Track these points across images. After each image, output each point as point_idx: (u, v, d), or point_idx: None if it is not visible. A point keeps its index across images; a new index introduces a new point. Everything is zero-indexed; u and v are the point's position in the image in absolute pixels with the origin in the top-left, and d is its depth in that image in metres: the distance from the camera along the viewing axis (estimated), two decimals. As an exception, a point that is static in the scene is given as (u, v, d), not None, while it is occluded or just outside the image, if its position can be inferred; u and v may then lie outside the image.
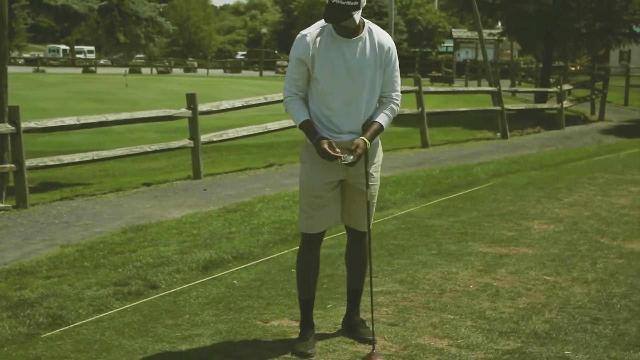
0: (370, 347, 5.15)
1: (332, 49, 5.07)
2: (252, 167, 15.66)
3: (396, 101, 5.30)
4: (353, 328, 5.53)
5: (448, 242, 8.33)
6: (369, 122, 5.20)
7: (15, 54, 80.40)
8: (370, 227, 5.37)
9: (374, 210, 5.47)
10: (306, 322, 5.35)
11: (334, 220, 5.33)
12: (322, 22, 5.13)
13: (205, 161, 14.58)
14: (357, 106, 5.16)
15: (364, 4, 4.96)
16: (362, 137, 5.11)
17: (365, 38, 5.11)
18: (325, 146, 4.99)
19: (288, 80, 5.21)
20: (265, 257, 7.76)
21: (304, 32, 5.15)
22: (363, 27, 5.11)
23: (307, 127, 5.13)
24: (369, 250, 5.40)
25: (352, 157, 5.02)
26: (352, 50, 5.08)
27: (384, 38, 5.19)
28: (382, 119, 5.23)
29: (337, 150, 5.00)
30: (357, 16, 4.92)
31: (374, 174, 5.32)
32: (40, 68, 71.13)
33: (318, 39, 5.08)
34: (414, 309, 6.12)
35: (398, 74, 5.32)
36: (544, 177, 13.35)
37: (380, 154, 5.41)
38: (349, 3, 4.86)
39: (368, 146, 5.12)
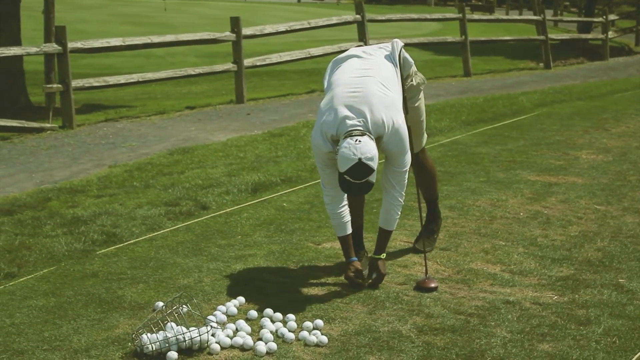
0: (423, 270, 5.17)
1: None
2: (294, 93, 15.61)
3: (398, 197, 5.04)
4: (421, 233, 5.54)
5: (496, 170, 8.29)
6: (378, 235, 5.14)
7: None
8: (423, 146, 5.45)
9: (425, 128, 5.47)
10: (358, 247, 5.35)
11: None
12: (327, 138, 4.84)
13: (247, 86, 14.53)
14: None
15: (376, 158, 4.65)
16: (375, 257, 5.08)
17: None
18: (351, 274, 4.99)
19: (323, 180, 5.06)
20: (313, 181, 7.77)
21: (315, 139, 4.91)
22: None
23: (347, 242, 5.08)
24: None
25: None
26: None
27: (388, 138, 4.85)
28: (385, 223, 5.11)
29: (360, 280, 5.00)
30: (373, 177, 4.65)
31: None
32: (78, -9, 70.88)
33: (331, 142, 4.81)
34: (465, 234, 6.12)
35: (404, 161, 4.97)
36: (589, 107, 13.20)
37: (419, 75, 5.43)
38: (363, 180, 4.59)
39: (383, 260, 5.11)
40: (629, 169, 8.46)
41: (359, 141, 4.60)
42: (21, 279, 5.21)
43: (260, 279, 5.16)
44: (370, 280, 5.04)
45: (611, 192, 7.49)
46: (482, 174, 8.07)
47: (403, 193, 5.05)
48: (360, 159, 4.55)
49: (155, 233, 6.19)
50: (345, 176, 4.61)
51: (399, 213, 5.10)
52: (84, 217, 6.57)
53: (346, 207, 5.06)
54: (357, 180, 4.59)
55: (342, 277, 5.14)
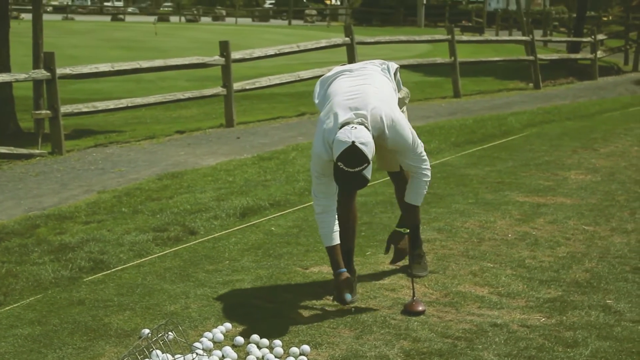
0: (411, 294, 5.16)
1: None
2: (284, 116, 15.63)
3: (425, 172, 5.15)
4: (410, 261, 5.51)
5: (485, 191, 8.30)
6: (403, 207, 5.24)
7: (43, 1, 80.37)
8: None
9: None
10: (347, 269, 5.34)
11: None
12: (325, 143, 4.90)
13: (237, 110, 14.55)
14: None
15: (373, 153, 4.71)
16: (400, 230, 5.20)
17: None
18: (341, 286, 4.98)
19: (315, 190, 5.13)
20: (302, 205, 7.77)
21: (318, 153, 4.97)
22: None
23: (334, 253, 5.03)
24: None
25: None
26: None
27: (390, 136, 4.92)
28: (416, 199, 5.23)
29: (349, 299, 5.00)
30: (369, 172, 4.67)
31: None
32: (69, 16, 71.04)
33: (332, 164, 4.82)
34: (453, 257, 6.12)
35: (416, 149, 5.06)
36: (579, 127, 13.24)
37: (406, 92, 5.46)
38: (357, 169, 4.61)
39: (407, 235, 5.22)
40: (617, 189, 8.47)
41: (355, 128, 4.67)
42: (7, 308, 5.19)
43: (248, 304, 5.14)
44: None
45: (599, 212, 7.50)
46: (470, 196, 8.08)
47: (429, 167, 5.16)
48: (353, 142, 4.58)
49: (143, 259, 6.17)
50: (339, 164, 4.63)
51: (427, 188, 5.21)
52: (72, 244, 6.55)
53: (336, 218, 5.06)
54: (350, 168, 4.60)
55: (330, 301, 5.13)
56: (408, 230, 5.24)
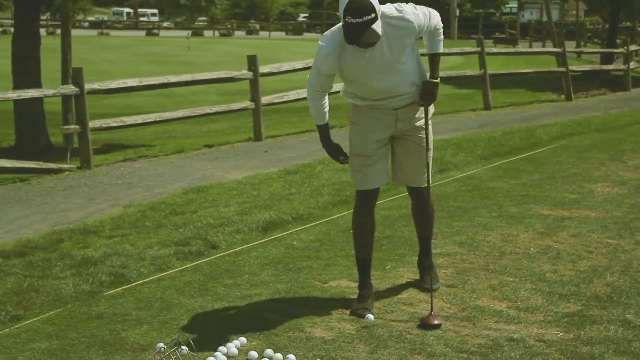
0: (429, 308, 5.14)
1: (356, 57, 4.99)
2: (313, 129, 15.59)
3: (439, 31, 5.31)
4: (421, 274, 5.67)
5: (509, 204, 8.26)
6: (428, 56, 5.32)
7: (80, 17, 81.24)
8: (430, 182, 5.50)
9: (430, 163, 5.52)
10: (364, 283, 5.37)
11: (384, 178, 5.37)
12: (338, 30, 5.00)
13: (267, 123, 14.62)
14: (400, 79, 5.16)
15: (380, 11, 4.82)
16: (430, 80, 5.23)
17: (386, 33, 4.95)
18: (332, 156, 5.40)
19: (314, 81, 5.17)
20: (325, 219, 7.78)
21: (323, 45, 5.02)
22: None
23: (324, 131, 5.33)
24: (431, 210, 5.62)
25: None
26: (376, 53, 4.99)
27: (403, 23, 5.00)
28: (439, 47, 5.34)
29: (342, 158, 5.35)
30: (378, 27, 4.77)
31: (424, 126, 5.35)
32: (105, 31, 71.75)
33: (341, 51, 4.97)
34: (473, 270, 6.09)
35: (428, 12, 5.17)
36: (608, 139, 13.14)
37: (431, 107, 5.43)
38: (365, 19, 4.70)
39: (439, 82, 5.28)
40: (643, 201, 8.39)
41: None
42: (27, 322, 5.24)
43: (264, 318, 5.15)
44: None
45: (624, 225, 7.43)
46: (494, 209, 8.04)
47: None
48: None
49: (164, 273, 6.20)
50: (347, 19, 4.72)
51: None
52: (94, 258, 6.60)
53: (326, 101, 5.26)
54: (358, 19, 4.69)
55: (347, 314, 5.14)
56: (439, 80, 5.31)
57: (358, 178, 5.34)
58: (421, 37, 5.25)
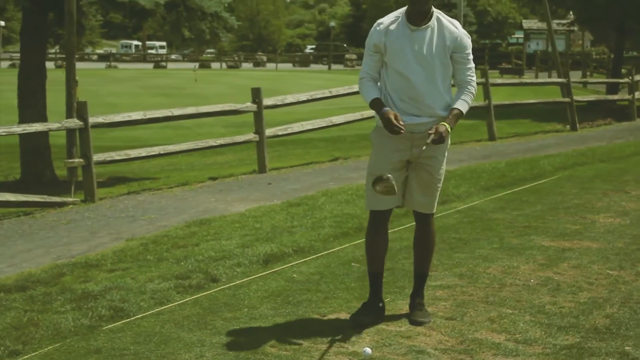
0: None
1: (403, 37, 5.41)
2: (317, 161, 15.69)
3: (471, 89, 5.54)
4: (411, 308, 5.79)
5: (510, 235, 8.26)
6: (449, 109, 5.50)
7: (88, 50, 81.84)
8: (434, 210, 5.72)
9: (438, 193, 5.72)
10: (373, 294, 5.73)
11: (394, 200, 5.60)
12: (397, 12, 5.51)
13: (271, 155, 14.65)
14: (432, 90, 5.44)
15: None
16: (443, 123, 5.39)
17: (434, 27, 5.41)
18: (391, 116, 5.31)
19: (364, 64, 5.60)
20: (326, 251, 7.79)
21: (379, 20, 5.54)
22: (432, 16, 5.40)
23: (376, 103, 5.49)
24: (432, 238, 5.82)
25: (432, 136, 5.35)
26: (420, 38, 5.39)
27: (452, 27, 5.45)
28: (461, 105, 5.49)
29: (401, 122, 5.32)
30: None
31: (439, 157, 5.58)
32: (113, 64, 72.21)
33: (392, 27, 5.45)
34: (472, 303, 6.09)
35: (470, 63, 5.53)
36: (611, 169, 13.14)
37: (447, 140, 5.56)
38: None
39: (449, 131, 5.40)
40: (645, 232, 8.38)
41: None
42: (25, 357, 5.25)
43: (262, 352, 5.15)
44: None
45: (625, 256, 7.42)
46: (495, 240, 8.04)
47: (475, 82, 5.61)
48: None
49: (163, 307, 6.20)
50: None
51: (471, 102, 5.58)
52: (95, 292, 6.61)
53: (376, 86, 5.57)
54: None
55: (345, 348, 5.13)
56: (451, 128, 5.42)
57: (370, 198, 5.63)
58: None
